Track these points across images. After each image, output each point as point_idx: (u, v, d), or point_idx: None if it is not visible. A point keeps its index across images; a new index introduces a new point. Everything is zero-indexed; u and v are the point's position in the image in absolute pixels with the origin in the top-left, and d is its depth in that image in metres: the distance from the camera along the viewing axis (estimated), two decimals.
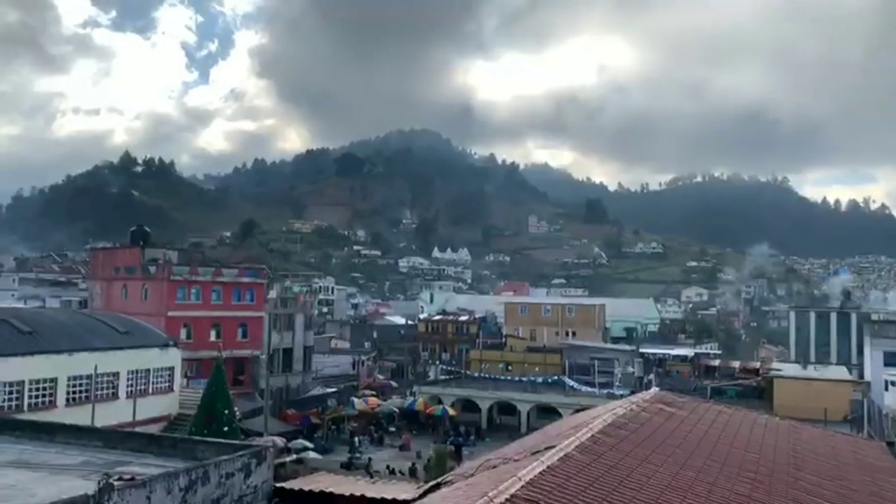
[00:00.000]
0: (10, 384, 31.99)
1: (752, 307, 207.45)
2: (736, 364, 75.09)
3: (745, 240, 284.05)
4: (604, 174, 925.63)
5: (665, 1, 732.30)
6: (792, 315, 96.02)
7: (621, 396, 42.44)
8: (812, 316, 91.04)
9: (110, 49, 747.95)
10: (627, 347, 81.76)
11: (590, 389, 65.41)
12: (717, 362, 77.36)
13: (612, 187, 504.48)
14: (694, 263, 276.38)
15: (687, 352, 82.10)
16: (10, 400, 32.19)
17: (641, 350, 79.37)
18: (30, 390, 33.77)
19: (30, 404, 33.49)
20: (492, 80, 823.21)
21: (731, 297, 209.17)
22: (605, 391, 63.38)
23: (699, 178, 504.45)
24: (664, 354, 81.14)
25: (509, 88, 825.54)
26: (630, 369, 71.60)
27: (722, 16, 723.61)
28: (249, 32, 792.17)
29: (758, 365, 72.52)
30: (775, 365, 70.75)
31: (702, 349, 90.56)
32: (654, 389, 22.91)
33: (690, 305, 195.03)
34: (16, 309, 52.58)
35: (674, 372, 74.02)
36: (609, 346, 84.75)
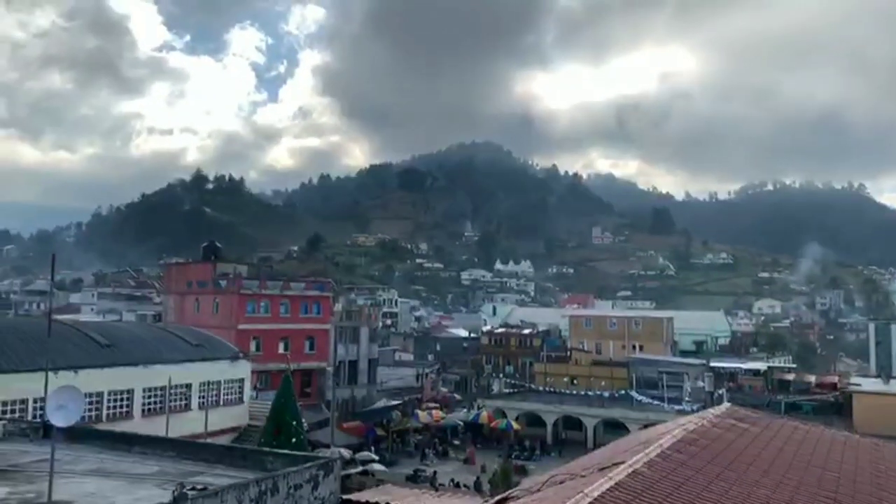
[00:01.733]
0: (90, 395, 33.26)
1: (828, 319, 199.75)
2: (812, 378, 72.28)
3: (820, 250, 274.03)
4: (670, 183, 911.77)
5: (729, 5, 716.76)
6: (872, 327, 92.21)
7: (691, 411, 41.41)
8: (894, 329, 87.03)
9: (184, 71, 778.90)
10: (697, 361, 79.69)
11: (658, 404, 63.97)
12: (791, 376, 74.60)
13: (679, 197, 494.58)
14: (766, 274, 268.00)
15: (759, 365, 79.49)
16: (89, 410, 33.47)
17: (712, 364, 77.20)
18: (108, 401, 35.11)
19: (108, 415, 34.80)
20: (552, 90, 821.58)
21: (805, 308, 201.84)
22: (674, 406, 61.88)
23: (770, 186, 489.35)
24: (735, 368, 78.77)
25: (570, 99, 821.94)
26: (700, 384, 69.68)
27: (790, 17, 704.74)
28: (313, 52, 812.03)
29: (835, 379, 69.55)
30: (854, 379, 67.75)
31: (775, 363, 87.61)
32: (726, 404, 22.24)
33: (762, 318, 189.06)
34: (95, 322, 54.87)
35: (746, 386, 71.74)
36: (678, 359, 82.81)
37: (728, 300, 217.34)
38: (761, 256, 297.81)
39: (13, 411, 29.12)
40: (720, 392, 64.97)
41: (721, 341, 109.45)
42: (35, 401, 28.89)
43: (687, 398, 65.76)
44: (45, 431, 13.72)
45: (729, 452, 14.16)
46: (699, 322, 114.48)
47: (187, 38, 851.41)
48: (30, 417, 27.70)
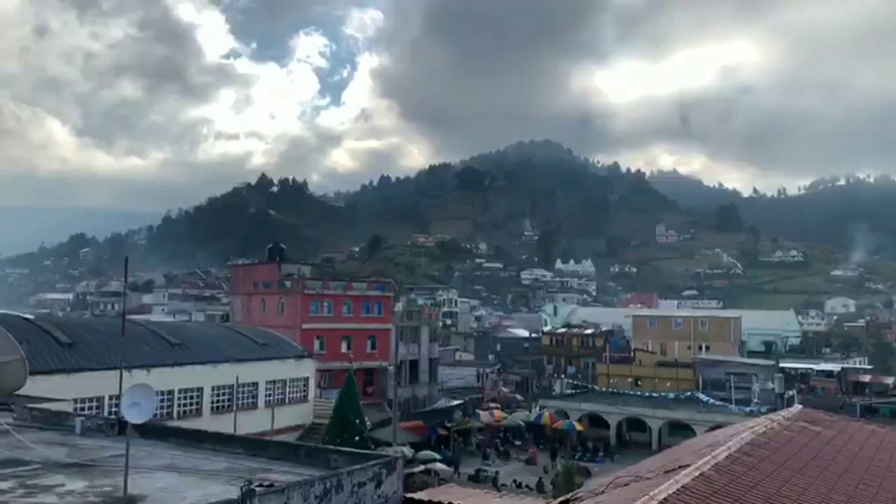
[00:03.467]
0: (162, 393, 34.41)
1: None
2: (889, 380, 69.41)
3: None
4: (737, 180, 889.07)
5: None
6: None
7: (760, 413, 40.21)
8: None
9: (250, 77, 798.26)
10: (766, 362, 77.38)
11: (725, 406, 62.39)
12: (867, 378, 71.86)
13: (746, 193, 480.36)
14: (839, 272, 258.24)
15: (833, 367, 76.77)
16: (161, 408, 34.62)
17: (781, 365, 74.90)
18: (179, 399, 36.26)
19: (179, 412, 35.96)
20: (612, 87, 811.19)
21: (881, 307, 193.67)
22: (741, 408, 60.23)
23: (842, 181, 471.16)
24: (807, 369, 76.25)
25: (631, 95, 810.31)
26: (769, 385, 67.64)
27: (860, 5, 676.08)
28: (371, 55, 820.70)
29: None
30: None
31: (849, 364, 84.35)
32: (797, 407, 21.52)
33: (835, 317, 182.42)
34: (166, 322, 56.69)
35: (818, 389, 69.42)
36: (746, 360, 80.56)
37: (799, 299, 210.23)
38: (833, 254, 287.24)
39: (90, 408, 30.34)
40: (791, 394, 63.08)
41: (791, 342, 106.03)
42: (110, 398, 30.06)
43: (755, 400, 63.98)
44: (121, 428, 14.23)
45: (801, 456, 13.71)
46: (768, 322, 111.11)
47: (253, 45, 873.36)
48: (105, 413, 28.84)
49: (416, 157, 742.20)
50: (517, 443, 61.22)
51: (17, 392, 15.69)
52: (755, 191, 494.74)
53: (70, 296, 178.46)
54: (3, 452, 13.30)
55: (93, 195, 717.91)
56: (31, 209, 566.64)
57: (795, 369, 74.99)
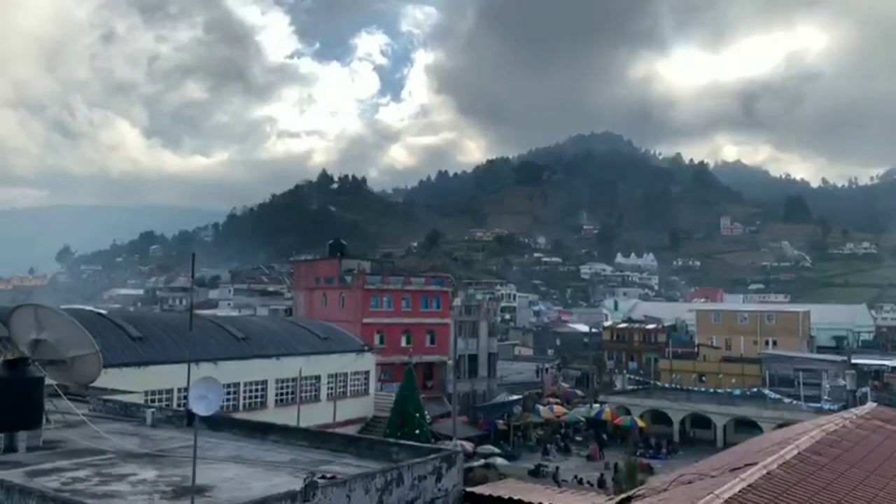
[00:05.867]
0: (228, 385, 35.33)
1: None
2: None
3: None
4: (805, 170, 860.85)
5: None
6: None
7: (831, 411, 38.87)
8: None
9: (313, 76, 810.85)
10: (837, 358, 74.73)
11: (794, 403, 60.54)
12: None
13: (814, 184, 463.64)
14: None
15: None
16: (228, 400, 35.56)
17: (853, 361, 72.15)
18: (244, 391, 37.18)
19: (245, 404, 36.88)
20: (672, 77, 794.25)
21: None
22: (811, 405, 58.35)
23: None
24: (881, 366, 73.28)
25: (692, 84, 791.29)
26: (840, 382, 65.22)
27: None
28: (427, 51, 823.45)
29: None
30: None
31: None
32: (871, 404, 20.72)
33: None
34: (232, 317, 58.15)
35: (893, 385, 66.61)
36: (815, 356, 77.98)
37: (871, 293, 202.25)
38: None
39: (160, 399, 31.38)
40: (863, 391, 60.66)
41: (864, 337, 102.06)
42: (179, 390, 31.04)
43: (826, 397, 61.84)
44: (189, 419, 14.65)
45: (875, 456, 13.20)
46: (839, 316, 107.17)
47: (317, 45, 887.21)
48: (174, 405, 29.79)
49: (473, 151, 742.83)
50: (578, 438, 60.72)
51: (92, 384, 16.34)
52: (824, 181, 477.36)
53: (140, 291, 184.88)
54: (81, 442, 13.88)
55: (161, 194, 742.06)
56: (104, 208, 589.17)
57: (868, 366, 72.15)
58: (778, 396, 62.69)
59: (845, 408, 33.50)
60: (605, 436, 59.94)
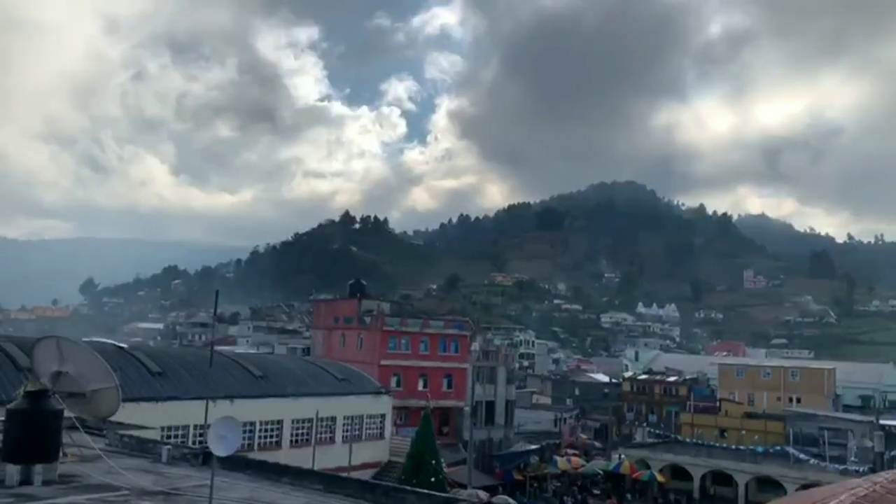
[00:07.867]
0: (245, 424, 35.04)
1: None
2: None
3: None
4: (830, 224, 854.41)
5: (884, 28, 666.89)
6: None
7: (857, 473, 37.74)
8: None
9: (340, 119, 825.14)
10: (864, 418, 72.80)
11: (819, 463, 58.90)
12: None
13: (839, 239, 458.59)
14: None
15: None
16: (243, 439, 35.25)
17: (882, 422, 70.26)
18: (260, 430, 36.85)
19: (259, 443, 36.50)
20: (695, 127, 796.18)
21: None
22: (836, 466, 56.74)
23: None
24: None
25: (715, 135, 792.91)
26: (868, 443, 63.45)
27: None
28: (451, 97, 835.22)
29: None
30: None
31: None
32: None
33: None
34: (250, 354, 58.09)
35: None
36: (841, 415, 76.06)
37: None
38: None
39: (176, 436, 31.18)
40: (893, 454, 58.96)
41: (892, 397, 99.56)
42: (195, 426, 30.83)
43: (853, 458, 60.19)
44: (205, 458, 14.53)
45: None
46: (865, 374, 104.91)
47: (347, 90, 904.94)
48: (190, 442, 29.57)
49: (494, 196, 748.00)
50: (595, 492, 59.40)
51: (110, 418, 16.30)
52: (850, 236, 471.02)
53: (161, 325, 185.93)
54: (97, 477, 13.78)
55: (186, 229, 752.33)
56: (129, 241, 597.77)
57: None
58: (803, 456, 61.07)
59: (873, 470, 32.51)
60: (624, 491, 58.59)
